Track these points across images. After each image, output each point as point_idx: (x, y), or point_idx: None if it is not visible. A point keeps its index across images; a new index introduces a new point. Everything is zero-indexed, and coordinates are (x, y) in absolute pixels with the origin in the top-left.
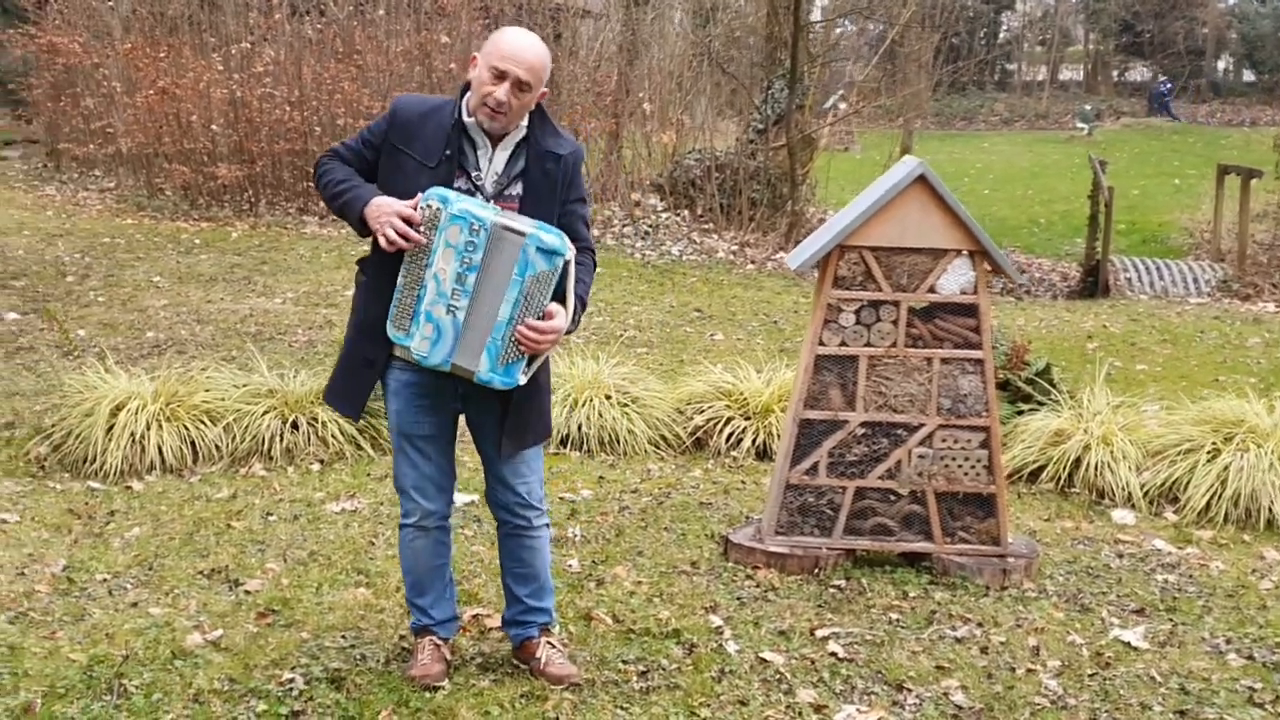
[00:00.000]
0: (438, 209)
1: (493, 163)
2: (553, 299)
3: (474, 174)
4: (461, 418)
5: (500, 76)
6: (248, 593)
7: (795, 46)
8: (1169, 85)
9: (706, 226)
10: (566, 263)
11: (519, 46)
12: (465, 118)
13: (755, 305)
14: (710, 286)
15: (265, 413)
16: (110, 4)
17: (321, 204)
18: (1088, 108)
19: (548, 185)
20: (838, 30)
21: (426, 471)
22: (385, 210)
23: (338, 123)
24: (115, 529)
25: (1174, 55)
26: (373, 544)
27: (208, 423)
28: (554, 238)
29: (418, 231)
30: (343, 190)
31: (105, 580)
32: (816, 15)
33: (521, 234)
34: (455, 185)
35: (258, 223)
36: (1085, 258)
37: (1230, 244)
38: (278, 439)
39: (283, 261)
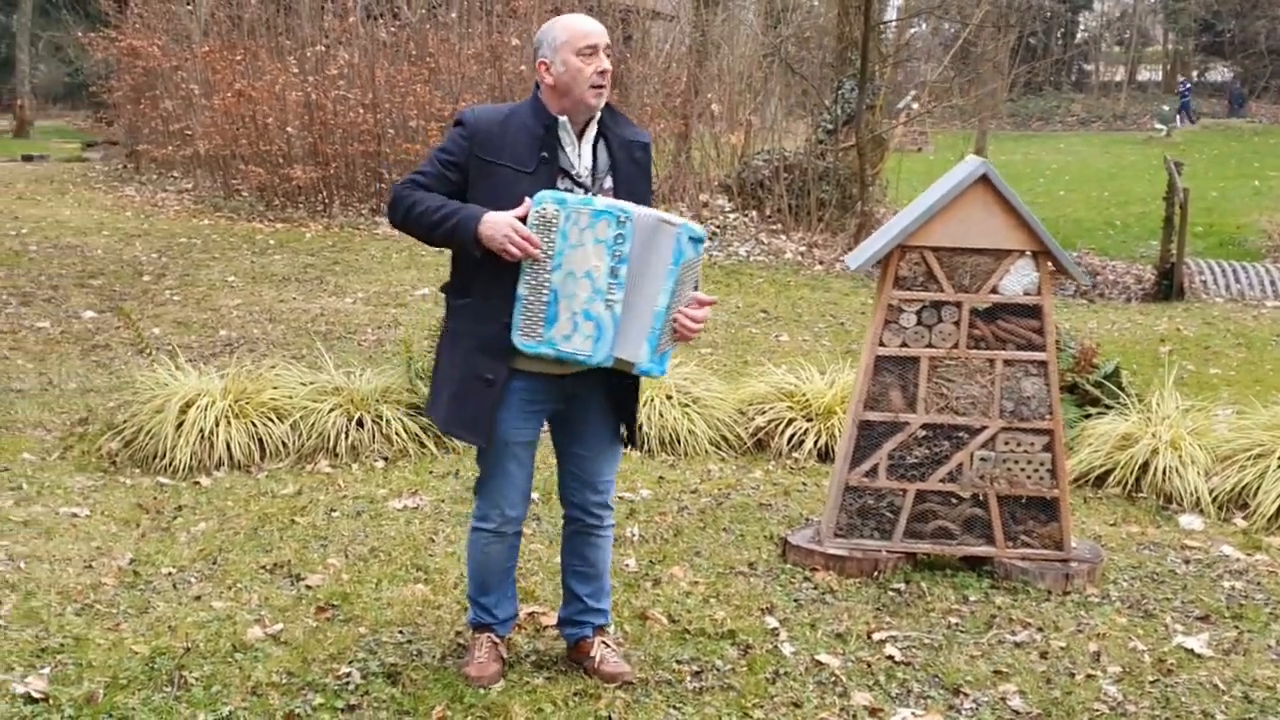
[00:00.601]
0: (555, 211)
1: (582, 158)
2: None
3: (574, 172)
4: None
5: (593, 50)
6: (308, 587)
7: (865, 46)
8: (1188, 86)
9: (775, 227)
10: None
11: (587, 22)
12: (558, 116)
13: (822, 306)
14: (777, 287)
15: (331, 410)
16: (189, 8)
17: None
18: (1166, 108)
19: (640, 173)
20: (911, 30)
21: (518, 480)
22: (502, 225)
23: (410, 124)
24: (182, 523)
25: (1255, 55)
26: (433, 540)
27: (275, 420)
28: (698, 226)
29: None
30: (446, 215)
31: (170, 574)
32: (891, 15)
33: (674, 224)
34: (558, 186)
35: (331, 223)
36: (1160, 260)
37: None
38: (343, 436)
39: (354, 262)
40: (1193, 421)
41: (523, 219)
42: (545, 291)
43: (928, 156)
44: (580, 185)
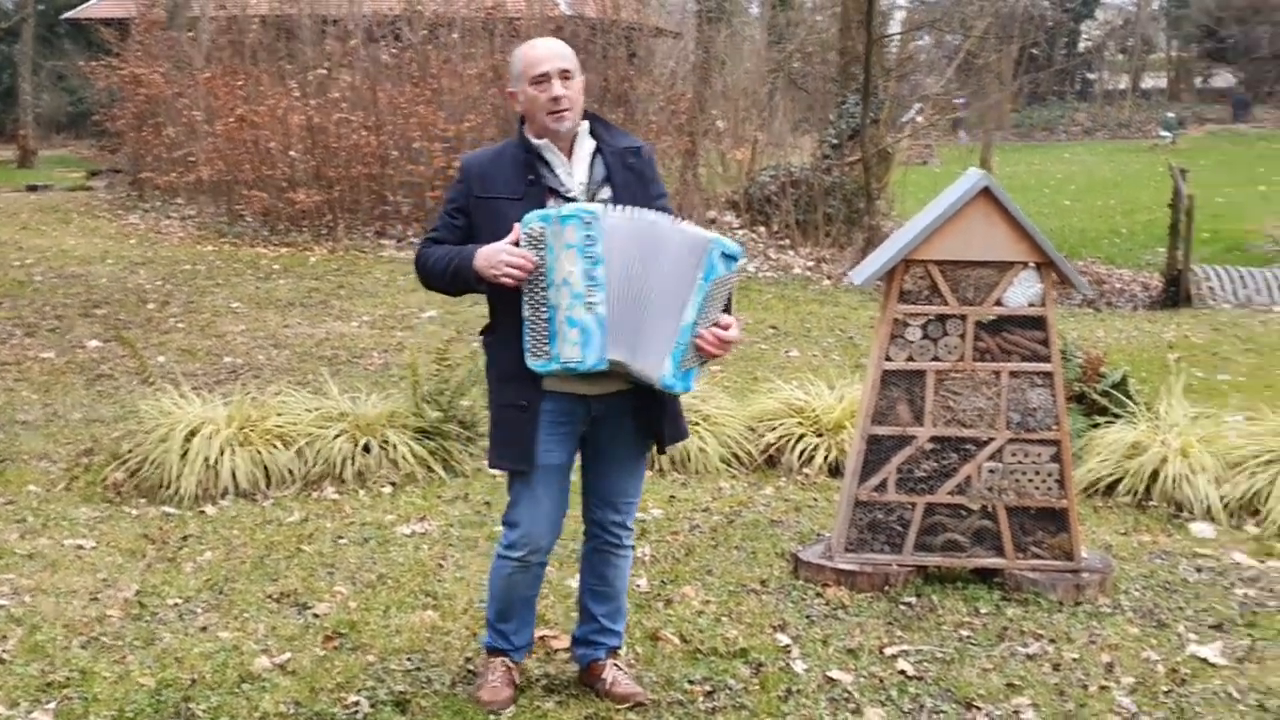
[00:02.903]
0: (541, 230)
1: (574, 174)
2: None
3: (562, 190)
4: None
5: (544, 79)
6: (316, 616)
7: (869, 60)
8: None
9: (783, 243)
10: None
11: (543, 47)
12: (535, 140)
13: (831, 321)
14: (786, 303)
15: (337, 436)
16: (191, 35)
17: (399, 227)
18: (1171, 115)
19: (637, 180)
20: (914, 44)
21: (547, 507)
22: (492, 254)
23: (413, 146)
24: (188, 553)
25: (1258, 60)
26: (441, 566)
27: (280, 446)
28: (734, 243)
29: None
30: (448, 264)
31: (176, 605)
32: (894, 28)
33: (707, 238)
34: (548, 206)
35: (336, 247)
36: (1166, 267)
37: None
38: (349, 462)
39: (359, 285)
40: (1202, 428)
41: (516, 244)
42: (544, 309)
43: (934, 169)
44: (570, 201)
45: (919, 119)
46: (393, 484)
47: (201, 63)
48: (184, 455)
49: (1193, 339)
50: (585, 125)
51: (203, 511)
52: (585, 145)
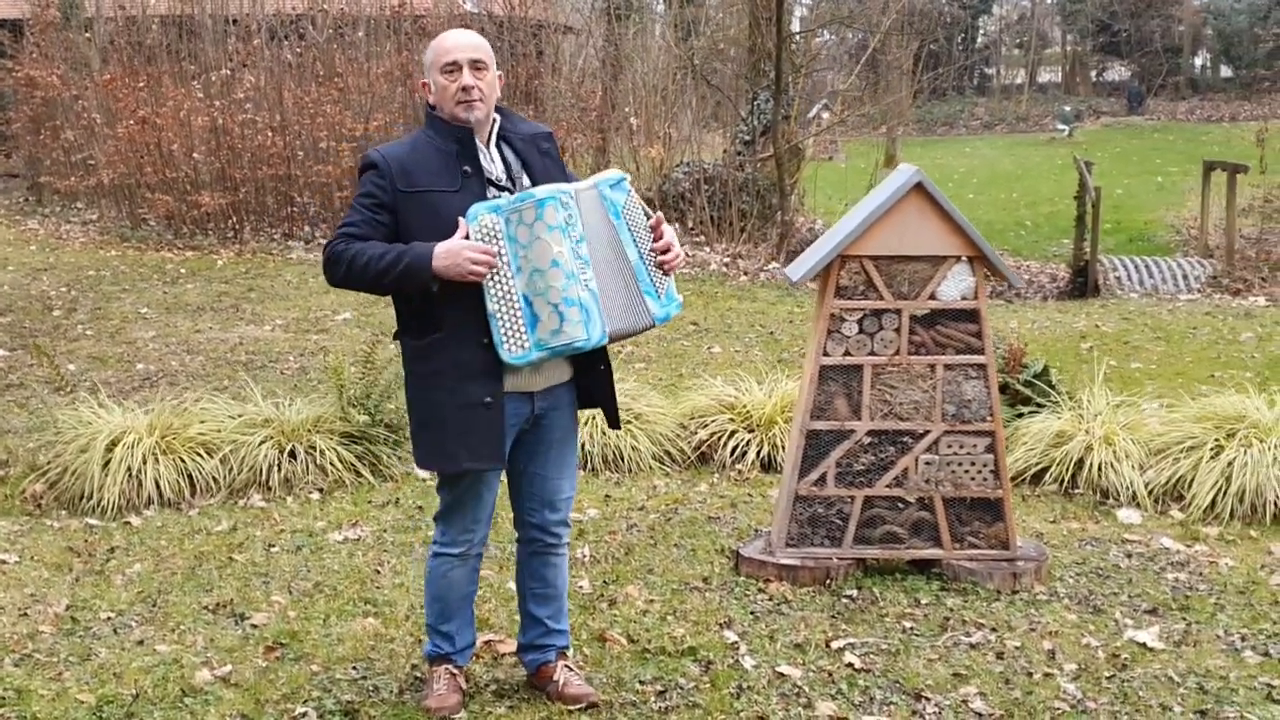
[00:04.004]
0: (493, 221)
1: (496, 164)
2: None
3: (492, 177)
4: None
5: (455, 68)
6: (254, 626)
7: (779, 57)
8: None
9: (698, 239)
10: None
11: (454, 37)
12: (461, 130)
13: (750, 317)
14: (705, 299)
15: (262, 442)
16: (87, 35)
17: (307, 228)
18: (1067, 109)
19: (553, 164)
20: (817, 40)
21: (487, 501)
22: (455, 251)
23: (320, 146)
24: (116, 566)
25: (1151, 54)
26: (378, 572)
27: (204, 455)
28: (609, 171)
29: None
30: (393, 261)
31: (109, 618)
32: (796, 26)
33: (590, 186)
34: (487, 195)
35: (243, 249)
36: (1074, 258)
37: (1217, 240)
38: (275, 469)
39: (270, 288)
40: (1124, 416)
41: (465, 239)
42: (515, 300)
43: (839, 165)
44: (504, 190)
45: (825, 115)
46: (321, 490)
47: (99, 64)
48: (105, 465)
49: (1104, 328)
50: (496, 117)
51: (127, 522)
52: (493, 135)
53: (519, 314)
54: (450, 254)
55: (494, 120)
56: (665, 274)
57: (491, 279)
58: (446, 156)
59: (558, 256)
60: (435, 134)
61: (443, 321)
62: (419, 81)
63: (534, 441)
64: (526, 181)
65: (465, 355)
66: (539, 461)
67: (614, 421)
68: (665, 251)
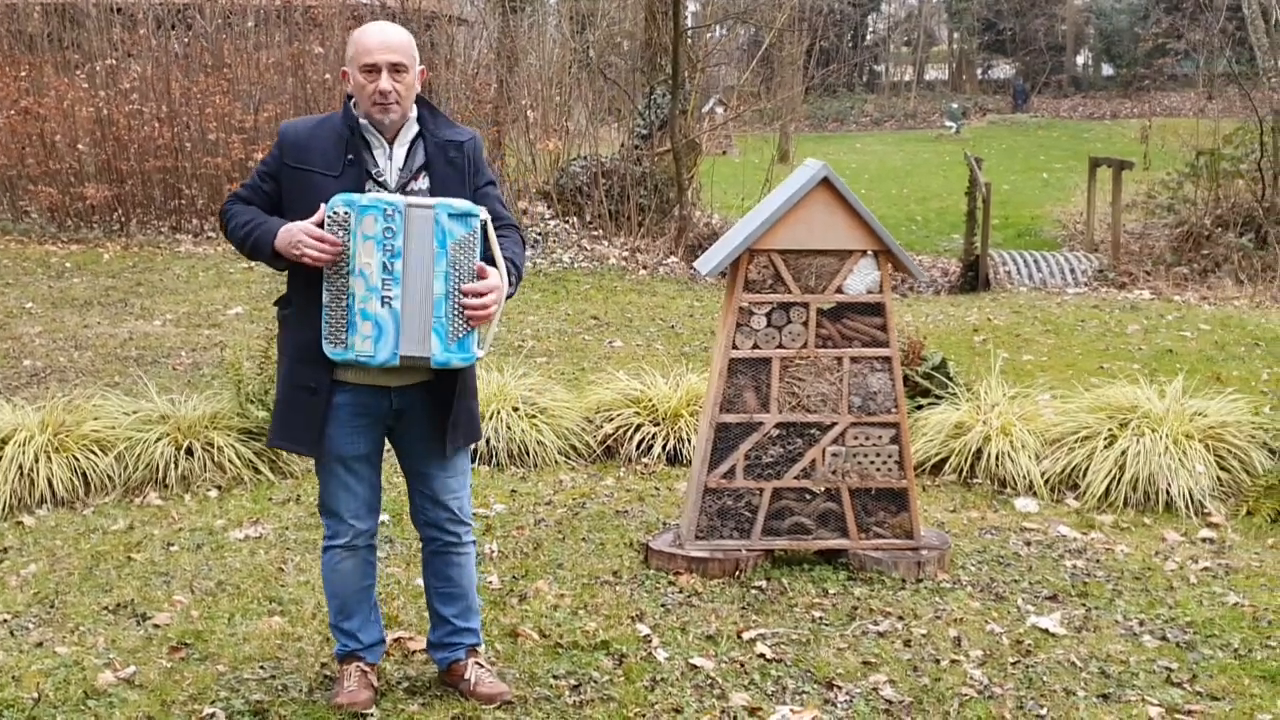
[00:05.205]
0: (346, 213)
1: (392, 160)
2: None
3: (374, 172)
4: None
5: (373, 70)
6: (157, 626)
7: (676, 52)
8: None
9: (596, 233)
10: (484, 223)
11: (378, 36)
12: (361, 121)
13: (651, 311)
14: (604, 293)
15: (158, 440)
16: None
17: (195, 221)
18: (955, 106)
19: (454, 174)
20: (708, 36)
21: (359, 492)
22: (295, 234)
23: (209, 137)
24: (10, 567)
25: (1035, 52)
26: (282, 570)
27: (99, 452)
28: (462, 202)
29: (331, 242)
30: (249, 231)
31: (6, 620)
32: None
33: (429, 206)
34: (365, 189)
35: (130, 243)
36: (965, 253)
37: (1103, 235)
38: (172, 466)
39: (159, 282)
40: (1020, 408)
41: (321, 224)
42: (344, 297)
43: (734, 160)
44: (382, 187)
45: (719, 110)
46: (219, 488)
47: None
48: None
49: (995, 322)
50: (414, 112)
51: (20, 522)
52: (409, 131)
53: (345, 312)
54: (289, 233)
55: (410, 117)
56: (466, 321)
57: (331, 271)
58: (340, 141)
59: (364, 267)
60: (341, 118)
61: (295, 297)
62: (341, 69)
63: (411, 439)
64: (424, 184)
65: (304, 337)
66: (422, 460)
67: (449, 440)
68: (476, 295)
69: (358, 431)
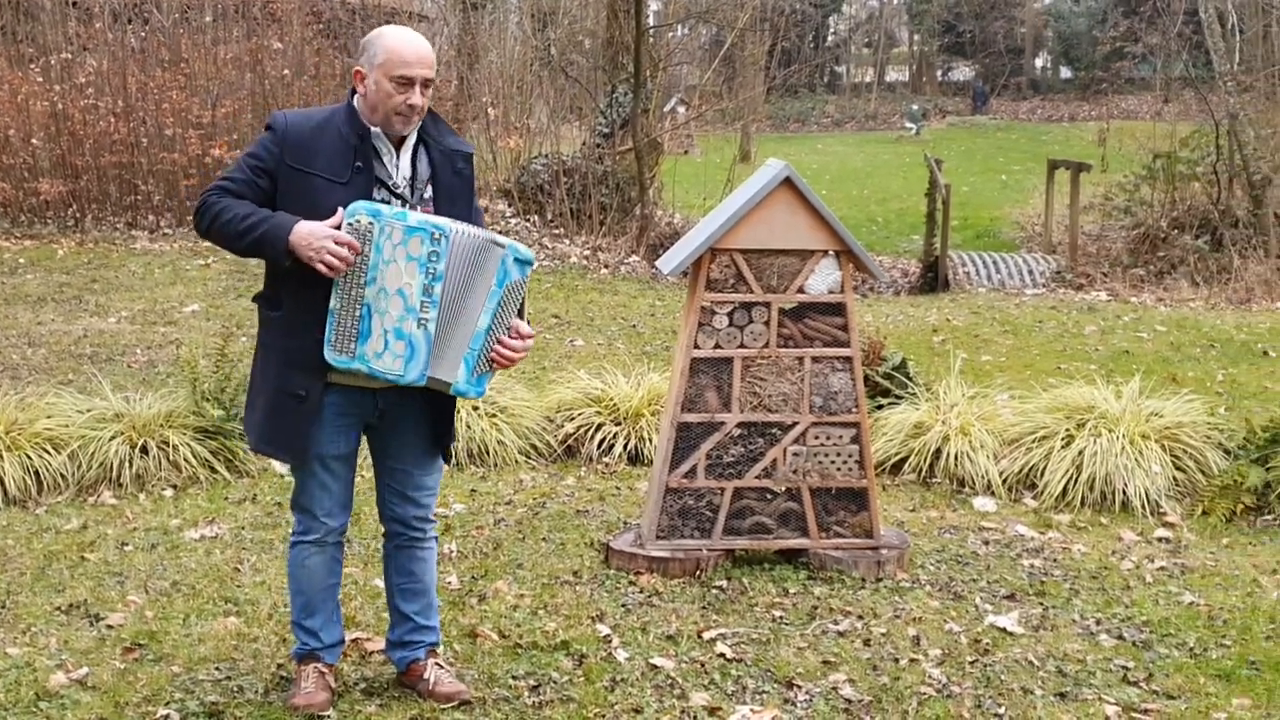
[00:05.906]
0: (369, 224)
1: (400, 168)
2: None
3: (390, 182)
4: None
5: (407, 83)
6: (110, 627)
7: (639, 51)
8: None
9: (557, 232)
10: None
11: (415, 48)
12: (371, 128)
13: (612, 310)
14: (566, 292)
15: (112, 438)
16: None
17: (151, 217)
18: (915, 108)
19: (462, 186)
20: (670, 35)
21: (335, 490)
22: (317, 236)
23: (166, 133)
24: None
25: (994, 54)
26: (238, 570)
27: (52, 450)
28: (526, 248)
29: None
30: (253, 225)
31: None
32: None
33: (501, 245)
34: (374, 197)
35: (85, 239)
36: (924, 254)
37: (1061, 236)
38: (127, 465)
39: (114, 279)
40: (978, 408)
41: (337, 229)
42: (358, 306)
43: (695, 159)
44: (397, 196)
45: (680, 110)
46: (174, 487)
47: None
48: None
49: (954, 322)
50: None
51: None
52: (412, 136)
53: (357, 320)
54: (312, 235)
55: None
56: (490, 362)
57: (345, 277)
58: (346, 147)
59: (405, 287)
60: (345, 121)
61: (288, 300)
62: (355, 68)
63: (389, 435)
64: (429, 193)
65: (295, 342)
66: (394, 456)
67: (444, 451)
68: (511, 349)
69: (339, 431)
